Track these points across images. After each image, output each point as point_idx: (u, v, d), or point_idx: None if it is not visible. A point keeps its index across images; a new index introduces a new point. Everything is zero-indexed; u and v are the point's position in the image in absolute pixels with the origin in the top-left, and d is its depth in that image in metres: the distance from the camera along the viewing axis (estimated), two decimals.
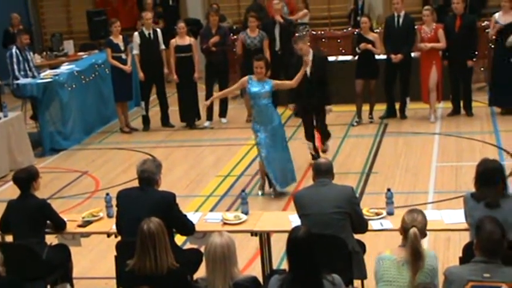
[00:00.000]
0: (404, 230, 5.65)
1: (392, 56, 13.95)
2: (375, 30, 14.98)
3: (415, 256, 5.49)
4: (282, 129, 10.80)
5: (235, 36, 16.09)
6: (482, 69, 16.00)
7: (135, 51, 14.67)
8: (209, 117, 15.02)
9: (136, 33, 14.78)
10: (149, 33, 14.73)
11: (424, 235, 5.65)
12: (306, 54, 11.03)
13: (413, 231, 5.52)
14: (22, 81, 14.02)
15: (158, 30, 15.05)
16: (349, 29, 17.24)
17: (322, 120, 11.71)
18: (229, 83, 14.51)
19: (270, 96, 10.49)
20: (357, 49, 13.94)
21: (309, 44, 11.55)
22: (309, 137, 11.76)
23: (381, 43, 14.09)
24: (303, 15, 17.36)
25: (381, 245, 8.25)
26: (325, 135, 11.91)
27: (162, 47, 14.82)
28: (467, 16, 14.07)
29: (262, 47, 14.53)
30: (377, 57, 13.98)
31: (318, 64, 11.27)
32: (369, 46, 13.76)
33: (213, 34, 14.83)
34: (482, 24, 15.47)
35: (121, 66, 14.65)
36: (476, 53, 14.24)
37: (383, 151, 12.60)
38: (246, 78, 10.51)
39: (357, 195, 9.26)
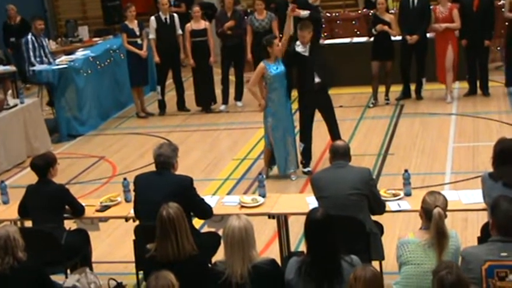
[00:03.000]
0: (426, 211, 5.62)
1: (408, 37, 13.86)
2: (390, 11, 14.90)
3: (440, 236, 5.47)
4: (291, 113, 10.78)
5: None
6: (498, 48, 15.89)
7: (152, 36, 14.66)
8: (225, 100, 15.04)
9: (152, 18, 14.74)
10: (165, 18, 14.70)
11: (445, 216, 5.64)
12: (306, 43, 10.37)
13: (437, 211, 5.49)
14: (38, 67, 14.06)
15: (175, 15, 15.02)
16: (362, 10, 17.14)
17: (329, 112, 10.78)
18: (245, 67, 14.50)
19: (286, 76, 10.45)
20: (373, 30, 13.87)
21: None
22: (305, 136, 10.84)
23: (397, 24, 14.02)
24: None
25: (398, 226, 8.28)
26: (336, 131, 10.79)
27: (179, 32, 14.75)
28: None
29: (271, 28, 14.30)
30: (393, 38, 13.91)
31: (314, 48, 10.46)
32: (386, 27, 13.70)
33: (228, 18, 14.78)
34: (499, 3, 15.35)
35: (137, 51, 14.64)
36: (493, 32, 14.15)
37: (399, 132, 12.56)
38: (262, 65, 10.36)
39: (374, 176, 9.26)
